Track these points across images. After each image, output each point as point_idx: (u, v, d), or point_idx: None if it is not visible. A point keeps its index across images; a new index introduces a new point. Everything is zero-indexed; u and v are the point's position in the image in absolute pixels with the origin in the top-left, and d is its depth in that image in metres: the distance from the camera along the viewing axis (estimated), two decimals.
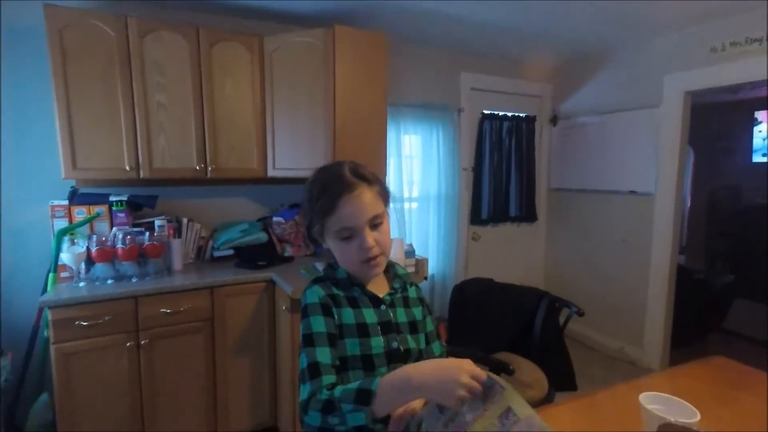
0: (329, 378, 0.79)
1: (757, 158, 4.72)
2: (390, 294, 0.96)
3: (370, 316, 0.90)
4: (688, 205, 5.16)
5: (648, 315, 2.96)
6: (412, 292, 1.02)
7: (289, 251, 2.50)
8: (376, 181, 0.90)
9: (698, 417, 0.78)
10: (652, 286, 2.93)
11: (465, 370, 0.67)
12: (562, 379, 1.93)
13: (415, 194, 3.12)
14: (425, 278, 2.28)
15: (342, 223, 0.85)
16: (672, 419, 0.74)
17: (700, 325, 3.32)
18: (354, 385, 0.73)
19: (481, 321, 2.18)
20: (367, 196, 0.87)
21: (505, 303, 2.12)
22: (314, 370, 0.79)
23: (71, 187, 2.02)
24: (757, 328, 3.56)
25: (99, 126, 1.90)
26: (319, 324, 0.84)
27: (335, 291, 0.90)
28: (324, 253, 0.97)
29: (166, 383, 1.87)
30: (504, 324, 2.09)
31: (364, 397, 0.70)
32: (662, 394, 0.85)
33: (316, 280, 0.93)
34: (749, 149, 4.77)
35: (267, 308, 2.06)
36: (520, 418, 0.75)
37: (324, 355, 0.81)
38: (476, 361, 1.33)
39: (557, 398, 1.73)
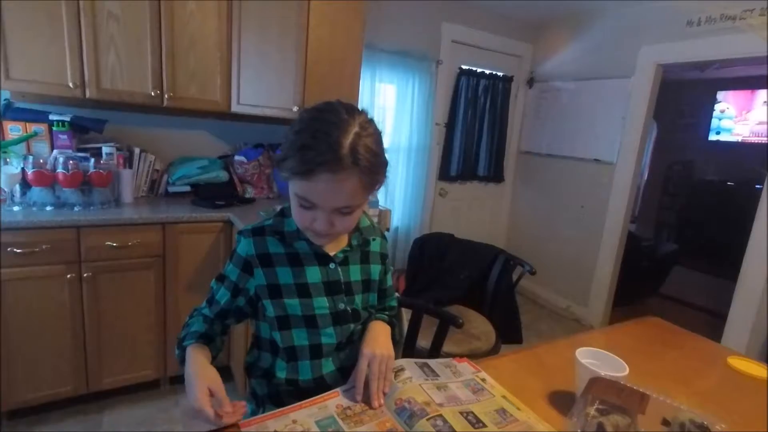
0: (209, 309, 0.90)
1: (713, 137, 4.95)
2: (344, 251, 0.88)
3: (313, 275, 0.85)
4: (645, 177, 5.40)
5: (595, 277, 3.14)
6: (375, 246, 0.95)
7: (250, 192, 2.41)
8: (374, 167, 0.72)
9: (627, 371, 0.83)
10: (602, 251, 3.08)
11: (198, 399, 0.69)
12: (509, 332, 2.04)
13: (385, 145, 3.05)
14: (387, 230, 2.28)
15: (306, 195, 0.73)
16: (602, 373, 0.78)
17: (641, 288, 3.57)
18: (194, 328, 0.85)
19: (439, 274, 2.23)
20: (349, 186, 0.71)
21: (463, 258, 2.18)
22: (209, 299, 0.91)
23: (5, 99, 1.82)
24: (691, 293, 3.89)
25: (36, 32, 1.67)
26: (234, 273, 0.87)
27: (272, 250, 0.84)
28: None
29: (113, 318, 1.81)
30: (460, 278, 2.15)
31: (180, 343, 0.84)
32: (597, 349, 0.90)
33: (256, 232, 0.86)
34: (707, 128, 4.98)
35: (224, 249, 2.00)
36: (517, 419, 0.77)
37: (222, 296, 0.88)
38: (428, 313, 1.37)
39: (503, 350, 1.82)
